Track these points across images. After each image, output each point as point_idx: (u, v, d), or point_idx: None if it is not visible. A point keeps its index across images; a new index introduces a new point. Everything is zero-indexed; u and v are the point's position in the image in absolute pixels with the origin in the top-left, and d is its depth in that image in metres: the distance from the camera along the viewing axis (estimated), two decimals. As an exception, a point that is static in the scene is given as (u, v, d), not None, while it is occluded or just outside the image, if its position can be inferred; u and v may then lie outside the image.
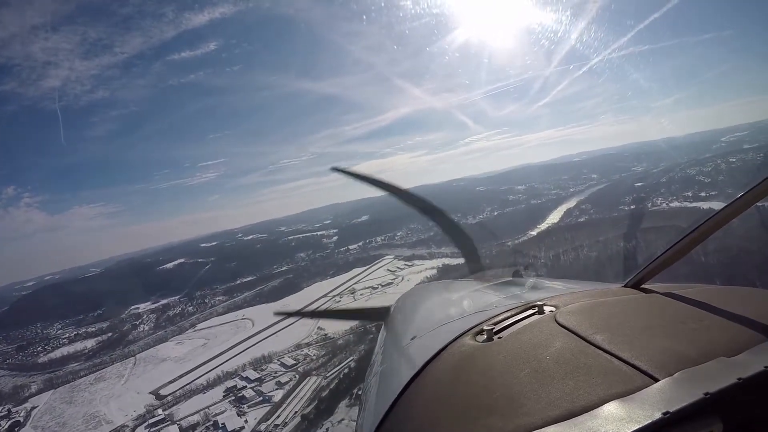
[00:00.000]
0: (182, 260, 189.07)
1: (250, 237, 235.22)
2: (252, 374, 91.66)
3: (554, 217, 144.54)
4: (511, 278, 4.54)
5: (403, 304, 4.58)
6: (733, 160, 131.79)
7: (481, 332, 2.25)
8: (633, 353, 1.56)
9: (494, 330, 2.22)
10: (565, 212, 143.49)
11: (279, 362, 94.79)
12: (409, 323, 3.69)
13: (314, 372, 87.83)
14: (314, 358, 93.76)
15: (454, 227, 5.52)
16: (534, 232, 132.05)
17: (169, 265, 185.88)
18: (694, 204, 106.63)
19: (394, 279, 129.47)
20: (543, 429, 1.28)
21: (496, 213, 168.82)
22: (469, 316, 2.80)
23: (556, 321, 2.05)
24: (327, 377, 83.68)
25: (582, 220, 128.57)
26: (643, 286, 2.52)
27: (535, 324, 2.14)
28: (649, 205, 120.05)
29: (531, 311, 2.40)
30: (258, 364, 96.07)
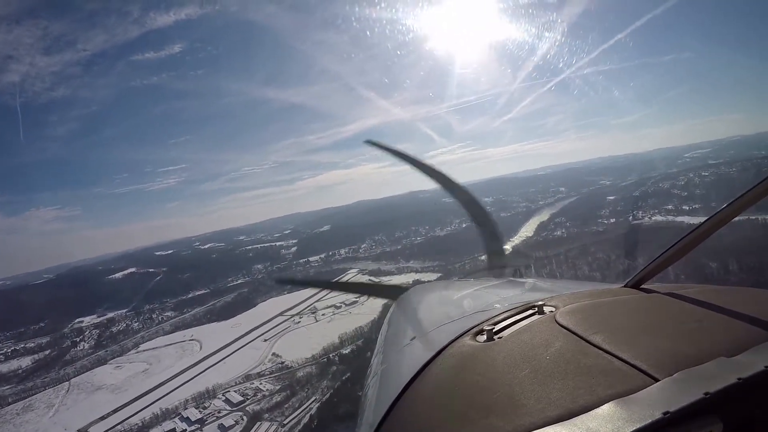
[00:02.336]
0: (133, 270, 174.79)
1: (208, 246, 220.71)
2: (193, 413, 75.31)
3: (527, 231, 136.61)
4: (511, 278, 4.76)
5: (403, 304, 4.49)
6: (706, 174, 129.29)
7: (481, 332, 2.22)
8: (633, 353, 1.54)
9: (494, 330, 2.20)
10: (538, 225, 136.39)
11: (224, 397, 78.41)
12: (409, 323, 3.66)
13: (266, 415, 71.35)
14: (267, 394, 77.18)
15: (483, 214, 5.46)
16: (507, 246, 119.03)
17: (119, 275, 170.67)
18: (680, 218, 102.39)
19: (359, 297, 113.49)
20: (543, 429, 1.26)
21: (464, 225, 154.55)
22: (469, 316, 2.77)
23: (556, 321, 2.01)
24: (284, 425, 67.13)
25: (559, 233, 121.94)
26: (643, 286, 2.48)
27: (535, 324, 2.11)
28: (630, 218, 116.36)
29: (531, 311, 2.37)
30: (201, 399, 79.50)
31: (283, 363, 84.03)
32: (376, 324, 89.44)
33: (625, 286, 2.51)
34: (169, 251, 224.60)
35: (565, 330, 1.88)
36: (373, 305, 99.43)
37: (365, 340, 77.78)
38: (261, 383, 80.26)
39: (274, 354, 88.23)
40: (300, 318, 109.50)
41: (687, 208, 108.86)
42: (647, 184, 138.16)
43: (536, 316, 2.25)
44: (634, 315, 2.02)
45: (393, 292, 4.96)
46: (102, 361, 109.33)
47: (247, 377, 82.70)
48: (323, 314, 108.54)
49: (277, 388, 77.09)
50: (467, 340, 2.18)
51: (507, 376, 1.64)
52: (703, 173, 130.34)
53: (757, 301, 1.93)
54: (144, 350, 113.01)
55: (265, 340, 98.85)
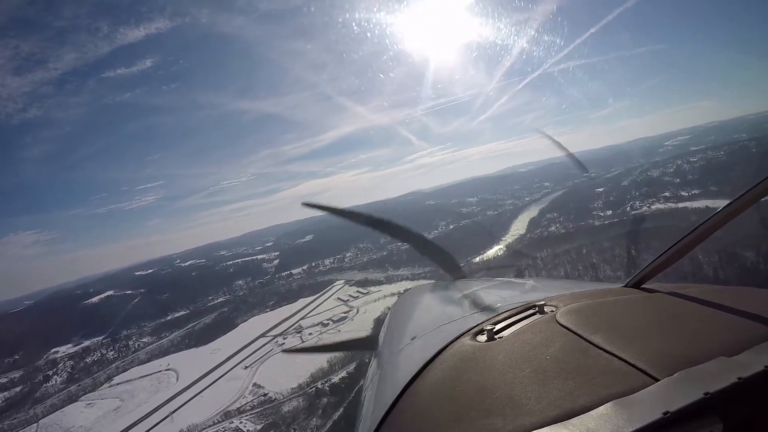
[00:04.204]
0: (111, 292, 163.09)
1: (189, 263, 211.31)
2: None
3: (519, 228, 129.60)
4: (511, 278, 4.85)
5: (403, 304, 4.48)
6: (694, 159, 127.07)
7: (481, 332, 2.21)
8: (633, 353, 1.52)
9: (495, 330, 2.19)
10: (530, 222, 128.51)
11: (200, 443, 66.10)
12: (409, 323, 3.61)
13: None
14: (248, 437, 64.83)
15: (422, 241, 5.44)
16: (502, 245, 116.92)
17: (96, 299, 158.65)
18: (682, 204, 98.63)
19: (347, 311, 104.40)
20: (543, 429, 1.25)
21: (451, 227, 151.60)
22: (469, 316, 2.78)
23: (556, 321, 1.99)
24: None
25: (554, 228, 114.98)
26: (643, 286, 2.46)
27: (536, 324, 2.08)
28: (628, 209, 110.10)
29: (531, 311, 2.37)
30: (174, 444, 67.09)
31: (266, 395, 72.23)
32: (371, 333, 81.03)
33: (625, 286, 2.51)
34: (150, 270, 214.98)
35: (565, 330, 1.86)
36: (364, 320, 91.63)
37: (358, 365, 66.31)
38: (241, 422, 68.36)
39: (255, 384, 76.74)
40: (284, 339, 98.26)
41: (686, 194, 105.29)
42: (634, 173, 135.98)
43: (537, 316, 2.24)
44: (634, 315, 1.98)
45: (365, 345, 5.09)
46: (73, 398, 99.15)
47: (226, 414, 70.65)
48: (310, 333, 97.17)
49: (259, 428, 65.26)
50: (467, 340, 2.17)
51: (507, 376, 1.63)
52: (691, 159, 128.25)
53: (757, 301, 1.88)
54: (117, 383, 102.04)
55: (246, 367, 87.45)
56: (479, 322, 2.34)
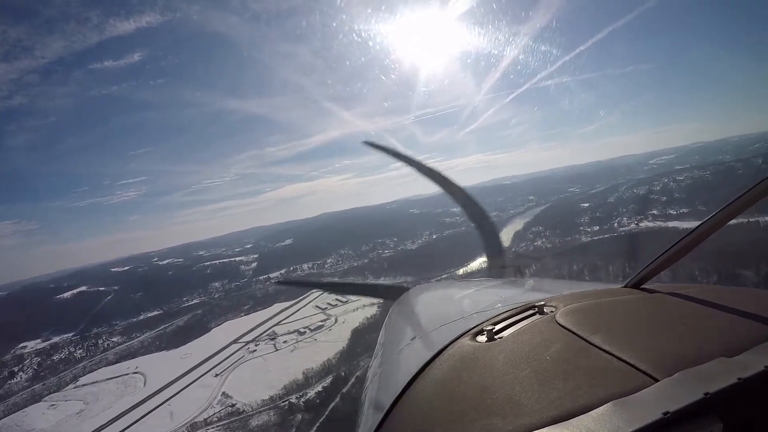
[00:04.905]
0: (84, 288, 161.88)
1: (166, 261, 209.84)
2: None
3: (503, 240, 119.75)
4: (511, 278, 4.78)
5: (403, 304, 4.40)
6: (681, 178, 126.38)
7: (481, 332, 2.20)
8: (633, 353, 1.52)
9: (494, 330, 2.18)
10: (514, 235, 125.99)
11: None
12: (409, 323, 3.61)
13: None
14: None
15: (481, 213, 5.56)
16: (485, 258, 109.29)
17: (68, 294, 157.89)
18: (672, 223, 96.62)
19: (324, 320, 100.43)
20: (543, 429, 1.25)
21: (435, 236, 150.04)
22: (469, 316, 2.77)
23: (556, 321, 1.99)
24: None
25: (539, 243, 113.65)
26: (643, 286, 2.43)
27: (536, 324, 2.07)
28: (615, 225, 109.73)
29: (531, 311, 2.36)
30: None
31: (234, 406, 67.88)
32: (345, 353, 76.82)
33: (625, 286, 2.47)
34: (126, 267, 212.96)
35: (565, 330, 1.86)
36: (341, 330, 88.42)
37: (335, 379, 62.29)
38: (208, 435, 63.63)
39: (224, 394, 72.52)
40: (256, 346, 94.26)
41: (674, 212, 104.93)
42: (620, 190, 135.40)
43: (536, 316, 2.23)
44: (634, 315, 1.97)
45: (393, 293, 4.82)
46: (37, 398, 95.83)
47: (193, 426, 66.25)
48: (284, 341, 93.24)
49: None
50: (467, 340, 2.16)
51: (507, 376, 1.63)
52: (677, 177, 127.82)
53: (757, 301, 1.87)
54: (83, 384, 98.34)
55: (216, 375, 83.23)
56: (479, 323, 2.34)
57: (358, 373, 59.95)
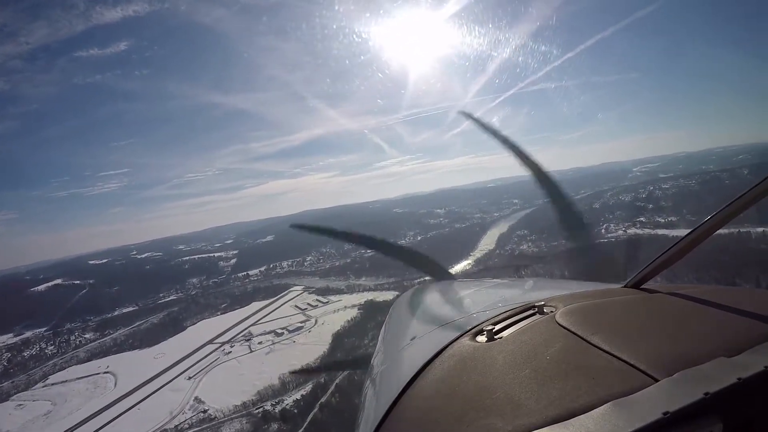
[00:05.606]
0: (59, 281, 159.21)
1: (145, 255, 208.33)
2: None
3: (488, 243, 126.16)
4: (511, 278, 4.78)
5: (403, 304, 4.40)
6: (666, 186, 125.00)
7: (481, 332, 2.20)
8: (633, 353, 1.53)
9: (494, 330, 2.19)
10: (499, 237, 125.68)
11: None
12: (409, 323, 3.58)
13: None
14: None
15: (402, 251, 5.93)
16: (471, 260, 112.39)
17: (42, 288, 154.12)
18: (661, 231, 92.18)
19: (304, 321, 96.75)
20: (543, 429, 1.24)
21: (419, 237, 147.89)
22: (469, 316, 2.79)
23: (556, 321, 1.99)
24: None
25: (525, 247, 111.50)
26: (643, 286, 2.45)
27: (536, 324, 2.08)
28: (602, 231, 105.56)
29: (531, 311, 2.37)
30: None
31: (206, 412, 63.95)
32: (326, 358, 72.56)
33: (625, 287, 2.50)
34: (104, 260, 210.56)
35: (565, 330, 1.86)
36: (321, 333, 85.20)
37: (315, 386, 58.61)
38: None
39: (196, 399, 68.65)
40: (231, 347, 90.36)
41: (662, 220, 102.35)
42: (605, 196, 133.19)
43: (536, 316, 2.24)
44: (634, 315, 1.97)
45: (439, 272, 4.95)
46: (4, 397, 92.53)
47: (163, 432, 62.11)
48: (260, 342, 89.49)
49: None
50: (467, 340, 2.16)
51: (507, 376, 1.63)
52: (663, 185, 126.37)
53: (757, 301, 1.88)
54: (52, 383, 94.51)
55: (189, 378, 79.28)
56: (479, 323, 2.35)
57: (337, 381, 56.76)
